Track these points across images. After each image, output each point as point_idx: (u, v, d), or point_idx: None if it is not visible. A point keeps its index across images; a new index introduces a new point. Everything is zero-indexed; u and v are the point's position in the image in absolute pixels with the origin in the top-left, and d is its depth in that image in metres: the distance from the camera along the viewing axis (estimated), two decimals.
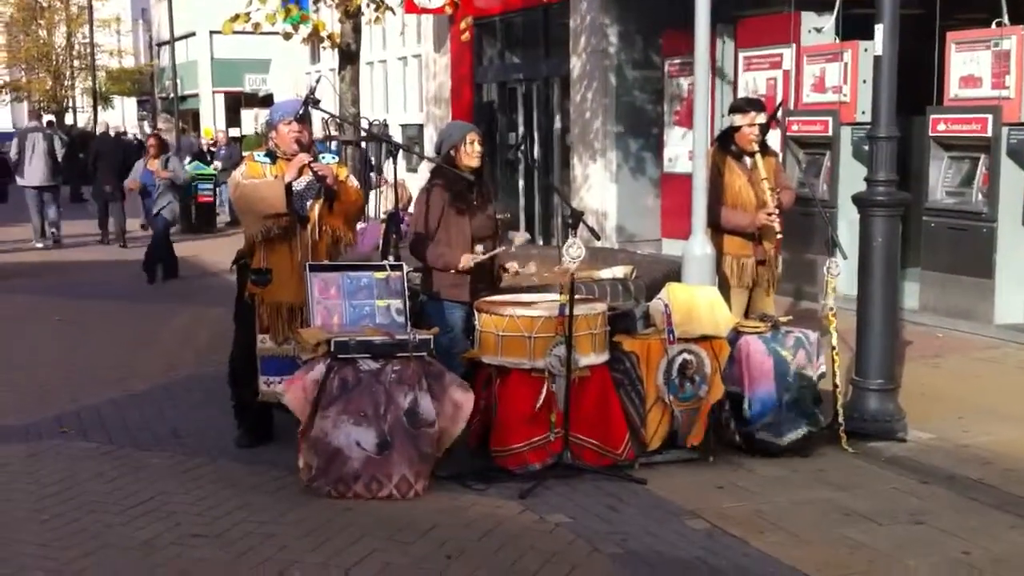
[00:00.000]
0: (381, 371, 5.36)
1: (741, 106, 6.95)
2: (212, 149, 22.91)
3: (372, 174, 13.96)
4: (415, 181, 13.14)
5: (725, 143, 6.99)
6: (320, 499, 5.29)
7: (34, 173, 16.46)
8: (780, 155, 8.93)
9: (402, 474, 5.31)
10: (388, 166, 15.41)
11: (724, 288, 6.77)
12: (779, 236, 6.86)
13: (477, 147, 6.21)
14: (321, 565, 4.54)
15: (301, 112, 6.06)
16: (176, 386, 7.76)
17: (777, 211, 6.76)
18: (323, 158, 6.18)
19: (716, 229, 6.98)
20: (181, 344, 9.26)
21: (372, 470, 5.28)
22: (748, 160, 6.87)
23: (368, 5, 11.92)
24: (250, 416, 6.27)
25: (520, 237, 6.63)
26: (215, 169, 19.59)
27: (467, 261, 6.13)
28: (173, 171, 12.81)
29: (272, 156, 6.11)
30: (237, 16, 11.38)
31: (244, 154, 10.51)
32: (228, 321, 6.44)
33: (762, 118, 6.81)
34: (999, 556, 4.61)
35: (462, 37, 12.52)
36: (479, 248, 6.20)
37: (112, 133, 20.76)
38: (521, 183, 16.25)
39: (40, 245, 16.82)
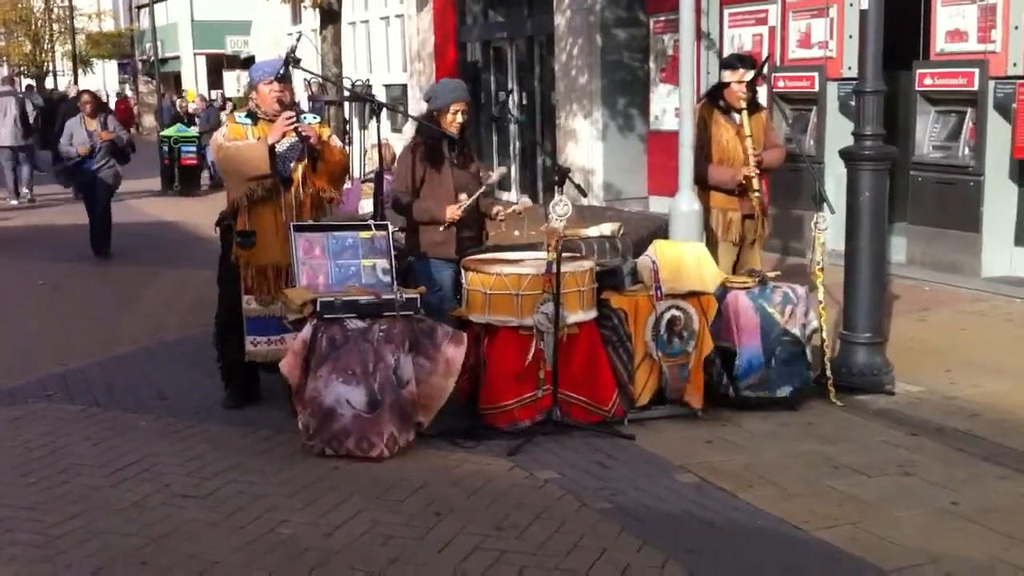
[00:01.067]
0: (368, 330, 5.33)
1: (731, 63, 6.92)
2: (189, 112, 22.79)
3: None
4: (400, 141, 13.05)
5: (714, 98, 6.97)
6: (309, 459, 5.28)
7: (6, 134, 17.18)
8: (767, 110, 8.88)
9: (391, 432, 5.29)
10: (372, 126, 15.28)
11: (712, 244, 6.76)
12: (756, 194, 6.81)
13: (460, 118, 6.21)
14: (311, 524, 4.53)
15: (282, 72, 5.97)
16: (161, 349, 7.73)
17: (758, 167, 6.74)
18: (305, 119, 6.11)
19: (702, 185, 6.97)
20: (165, 307, 9.22)
21: (363, 428, 5.26)
22: (736, 116, 6.84)
23: None
24: (237, 377, 6.23)
25: (498, 172, 6.61)
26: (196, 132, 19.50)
27: (453, 213, 6.12)
28: (114, 132, 12.23)
29: (253, 117, 6.04)
30: None
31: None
32: (212, 284, 6.39)
33: (750, 75, 6.78)
34: (987, 507, 4.62)
35: None
36: (462, 196, 6.17)
37: None
38: (508, 141, 16.18)
39: (14, 203, 17.39)
